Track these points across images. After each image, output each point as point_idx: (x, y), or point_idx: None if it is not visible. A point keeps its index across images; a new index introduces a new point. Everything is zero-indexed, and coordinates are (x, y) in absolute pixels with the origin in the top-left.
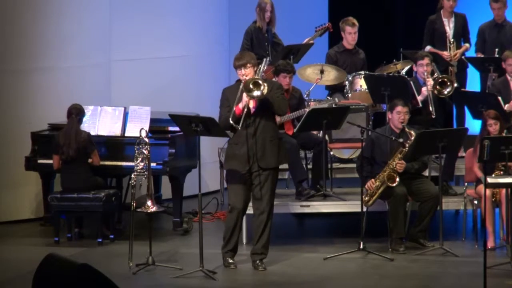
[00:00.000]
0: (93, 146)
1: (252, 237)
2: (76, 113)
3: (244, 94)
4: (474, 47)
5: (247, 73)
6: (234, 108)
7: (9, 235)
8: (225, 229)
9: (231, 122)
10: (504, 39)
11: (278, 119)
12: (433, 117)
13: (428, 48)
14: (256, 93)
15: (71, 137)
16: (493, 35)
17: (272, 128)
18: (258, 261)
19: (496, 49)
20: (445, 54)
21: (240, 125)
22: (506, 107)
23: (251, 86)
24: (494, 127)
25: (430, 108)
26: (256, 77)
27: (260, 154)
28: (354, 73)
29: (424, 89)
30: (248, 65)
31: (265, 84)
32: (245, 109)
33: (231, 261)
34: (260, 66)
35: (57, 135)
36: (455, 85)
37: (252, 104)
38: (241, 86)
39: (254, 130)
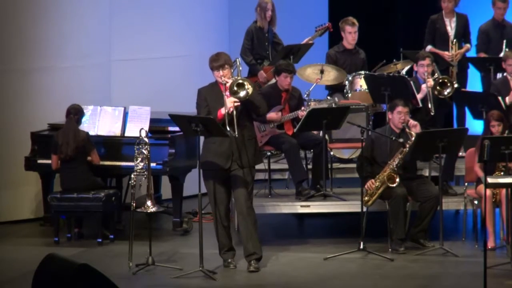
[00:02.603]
0: (92, 146)
1: (242, 239)
2: (75, 112)
3: (228, 100)
4: (474, 48)
5: (225, 74)
6: (217, 114)
7: (9, 235)
8: (215, 233)
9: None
10: (507, 38)
11: (277, 117)
12: (432, 114)
13: (429, 48)
14: (242, 93)
15: (69, 136)
16: (497, 34)
17: (249, 127)
18: (252, 261)
19: (504, 46)
20: (447, 54)
21: (228, 131)
22: (506, 99)
23: (235, 88)
24: (497, 128)
25: (429, 105)
26: (238, 78)
27: (239, 153)
28: (354, 73)
29: (424, 85)
30: (226, 66)
31: (249, 84)
32: (234, 113)
33: (230, 261)
34: (235, 65)
35: (55, 135)
36: (456, 85)
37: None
38: (225, 92)
39: (232, 129)
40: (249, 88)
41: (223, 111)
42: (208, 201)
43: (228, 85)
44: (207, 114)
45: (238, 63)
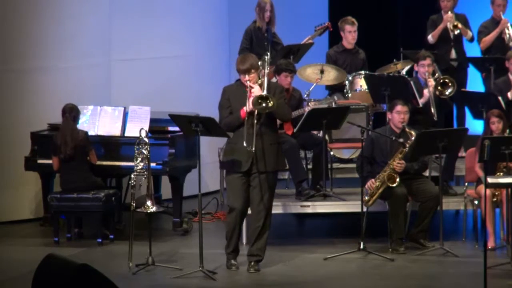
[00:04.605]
0: (91, 145)
1: (250, 238)
2: (69, 111)
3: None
4: (476, 43)
5: (251, 78)
6: (240, 113)
7: (9, 235)
8: (226, 230)
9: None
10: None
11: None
12: (435, 119)
13: (430, 36)
14: (264, 105)
15: (67, 136)
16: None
17: (272, 131)
18: (252, 263)
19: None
20: (449, 15)
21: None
22: (508, 94)
23: (259, 100)
24: (497, 125)
25: (432, 110)
26: (263, 93)
27: (258, 157)
28: (354, 73)
29: (426, 91)
30: (252, 70)
31: (272, 100)
32: (255, 119)
33: (233, 262)
34: (263, 66)
35: (54, 136)
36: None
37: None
38: (249, 100)
39: (255, 132)
40: (270, 102)
41: (245, 109)
42: (208, 201)
43: (253, 95)
44: (229, 115)
45: (266, 61)
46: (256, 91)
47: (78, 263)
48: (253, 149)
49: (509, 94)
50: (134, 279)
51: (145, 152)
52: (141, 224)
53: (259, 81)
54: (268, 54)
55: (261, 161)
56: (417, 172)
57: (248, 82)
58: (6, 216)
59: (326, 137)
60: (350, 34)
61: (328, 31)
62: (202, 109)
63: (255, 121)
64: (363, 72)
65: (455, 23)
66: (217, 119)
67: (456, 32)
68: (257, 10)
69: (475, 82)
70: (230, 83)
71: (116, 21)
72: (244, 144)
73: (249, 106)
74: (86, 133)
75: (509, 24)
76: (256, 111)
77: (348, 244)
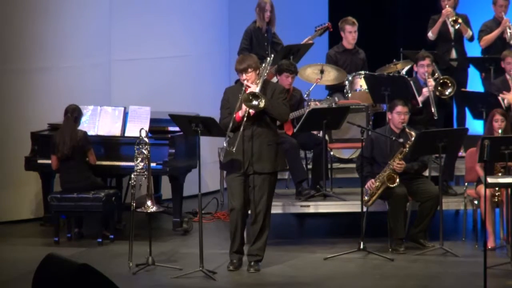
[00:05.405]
0: (90, 145)
1: (249, 238)
2: (72, 112)
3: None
4: (476, 43)
5: (248, 77)
6: (235, 115)
7: (9, 235)
8: (230, 231)
9: (230, 129)
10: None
11: None
12: (435, 118)
13: (430, 33)
14: (254, 103)
15: (66, 135)
16: (498, 33)
17: (271, 132)
18: (252, 262)
19: None
20: (448, 9)
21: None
22: (505, 101)
23: (250, 97)
24: (500, 124)
25: (432, 109)
26: (255, 91)
27: (256, 158)
28: (354, 73)
29: (425, 89)
30: (249, 69)
31: (263, 99)
32: (244, 118)
33: (234, 261)
34: (263, 65)
35: (54, 135)
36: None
37: (252, 111)
38: (241, 97)
39: (251, 133)
40: (261, 102)
41: (240, 113)
42: (208, 201)
43: (245, 92)
44: (228, 115)
45: (268, 62)
46: (252, 90)
47: (78, 263)
48: (234, 149)
49: (505, 101)
50: (134, 279)
51: (145, 152)
52: (141, 224)
53: (257, 81)
54: (272, 56)
55: (259, 162)
56: (417, 172)
57: (245, 81)
58: (6, 216)
59: (326, 137)
60: (350, 35)
61: (328, 31)
62: (202, 109)
63: (244, 120)
64: (363, 72)
65: (455, 18)
66: (217, 119)
67: (457, 26)
68: (257, 10)
69: (475, 82)
70: (230, 83)
71: (116, 21)
72: (224, 144)
73: (243, 109)
74: (85, 133)
75: (510, 24)
76: (248, 114)
77: (348, 244)
